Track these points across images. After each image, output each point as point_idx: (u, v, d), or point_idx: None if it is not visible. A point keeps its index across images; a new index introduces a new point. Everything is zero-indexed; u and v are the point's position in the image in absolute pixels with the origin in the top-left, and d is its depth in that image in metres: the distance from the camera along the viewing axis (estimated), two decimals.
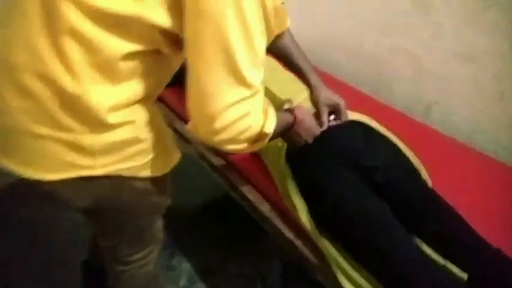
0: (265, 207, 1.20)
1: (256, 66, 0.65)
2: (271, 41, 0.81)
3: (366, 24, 1.72)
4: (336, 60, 1.90)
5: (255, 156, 1.28)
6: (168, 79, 0.77)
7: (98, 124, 0.65)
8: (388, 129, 1.24)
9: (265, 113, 0.76)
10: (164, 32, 0.62)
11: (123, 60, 0.62)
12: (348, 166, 1.06)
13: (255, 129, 0.72)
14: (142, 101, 0.70)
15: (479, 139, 1.47)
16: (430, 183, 1.14)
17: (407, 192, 1.05)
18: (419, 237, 1.01)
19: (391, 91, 1.69)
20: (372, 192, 1.03)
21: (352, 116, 1.19)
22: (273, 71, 1.34)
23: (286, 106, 1.18)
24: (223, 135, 0.67)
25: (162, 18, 0.60)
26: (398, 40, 1.61)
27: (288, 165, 1.13)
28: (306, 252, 1.08)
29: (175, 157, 0.83)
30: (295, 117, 0.94)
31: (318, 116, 1.09)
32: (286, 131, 0.94)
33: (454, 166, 1.33)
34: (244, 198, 1.25)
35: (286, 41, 1.10)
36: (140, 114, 0.70)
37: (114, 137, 0.67)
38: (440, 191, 1.08)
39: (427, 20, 1.48)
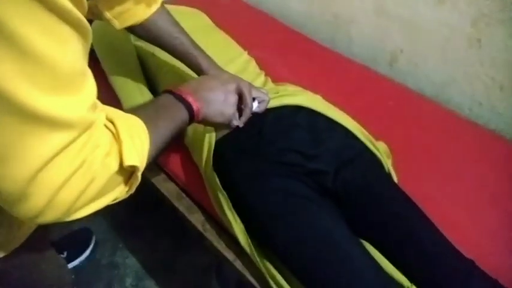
0: (196, 219, 0.99)
1: (67, 87, 0.39)
2: None
3: None
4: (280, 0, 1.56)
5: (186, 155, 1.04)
6: None
7: None
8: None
9: (117, 140, 0.49)
10: None
11: None
12: (287, 172, 0.84)
13: (105, 174, 0.47)
14: None
15: (452, 93, 1.24)
16: (394, 176, 0.93)
17: (363, 200, 0.85)
18: (379, 251, 0.83)
19: (350, 38, 1.41)
20: (321, 201, 0.83)
21: (293, 97, 0.94)
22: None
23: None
24: (58, 207, 0.43)
25: None
26: None
27: (215, 173, 0.89)
28: (247, 274, 0.90)
29: None
30: (188, 102, 0.66)
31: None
32: (189, 123, 0.67)
33: (422, 125, 1.14)
34: (174, 208, 1.03)
35: (162, 23, 0.88)
36: None
37: None
38: (408, 155, 1.02)
39: None
